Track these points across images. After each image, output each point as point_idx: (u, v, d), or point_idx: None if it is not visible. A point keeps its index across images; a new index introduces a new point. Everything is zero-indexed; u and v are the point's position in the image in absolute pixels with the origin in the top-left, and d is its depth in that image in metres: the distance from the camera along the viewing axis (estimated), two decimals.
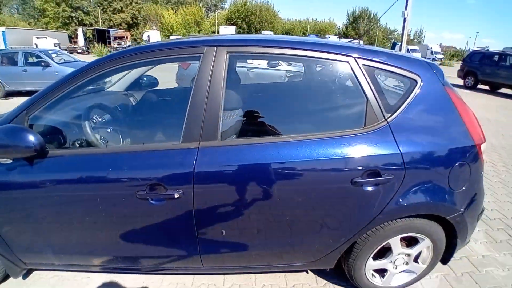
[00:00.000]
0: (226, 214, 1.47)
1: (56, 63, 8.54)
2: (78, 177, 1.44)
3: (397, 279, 1.85)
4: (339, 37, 41.50)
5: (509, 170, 3.96)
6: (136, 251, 1.61)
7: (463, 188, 1.57)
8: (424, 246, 1.72)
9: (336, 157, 1.40)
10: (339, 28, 55.54)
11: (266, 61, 7.77)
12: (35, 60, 8.58)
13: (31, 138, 1.34)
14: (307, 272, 2.05)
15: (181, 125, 1.41)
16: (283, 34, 48.77)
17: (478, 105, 9.06)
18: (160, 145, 1.54)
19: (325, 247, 1.61)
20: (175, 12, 40.31)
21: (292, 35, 49.13)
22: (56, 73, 8.28)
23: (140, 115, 2.32)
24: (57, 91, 1.52)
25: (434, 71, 1.54)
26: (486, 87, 12.26)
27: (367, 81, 1.46)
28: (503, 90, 11.89)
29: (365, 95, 1.46)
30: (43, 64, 8.35)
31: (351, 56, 1.48)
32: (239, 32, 38.26)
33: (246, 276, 2.00)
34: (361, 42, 38.35)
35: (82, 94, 1.96)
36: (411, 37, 53.77)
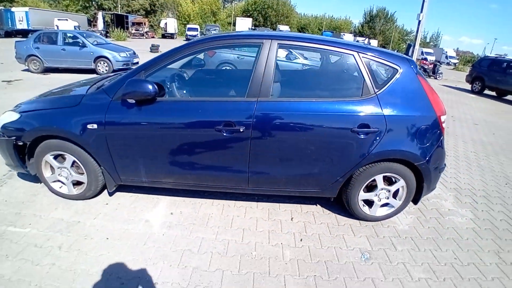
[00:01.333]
0: (268, 144, 2.28)
1: (92, 44, 9.43)
2: (176, 116, 2.26)
3: (381, 211, 2.65)
4: (354, 36, 41.62)
5: (489, 159, 4.70)
6: (205, 170, 2.43)
7: (427, 145, 2.36)
8: (400, 185, 2.51)
9: (343, 112, 2.22)
10: (355, 26, 55.45)
11: (285, 55, 8.47)
12: (72, 40, 9.47)
13: (150, 87, 2.12)
14: (316, 205, 2.88)
15: (246, 87, 2.24)
16: (298, 29, 48.97)
17: (480, 108, 9.68)
18: (232, 98, 2.38)
19: (331, 178, 2.42)
20: (193, 1, 41.02)
21: (307, 30, 49.38)
22: (91, 53, 9.21)
23: (216, 79, 3.15)
24: (161, 61, 2.31)
25: (411, 65, 2.34)
26: (493, 93, 12.79)
27: (365, 67, 2.27)
28: (509, 97, 12.43)
29: (363, 76, 2.27)
30: (80, 44, 9.25)
31: (355, 51, 2.30)
32: (255, 25, 38.74)
33: (273, 203, 2.84)
34: (369, 41, 38.43)
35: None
36: (427, 40, 53.33)
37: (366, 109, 2.24)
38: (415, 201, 2.65)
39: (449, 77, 20.44)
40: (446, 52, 39.64)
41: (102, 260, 2.02)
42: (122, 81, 2.27)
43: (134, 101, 2.24)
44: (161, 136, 2.33)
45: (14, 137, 2.41)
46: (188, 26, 32.36)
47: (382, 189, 2.54)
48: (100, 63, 9.33)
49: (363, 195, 2.54)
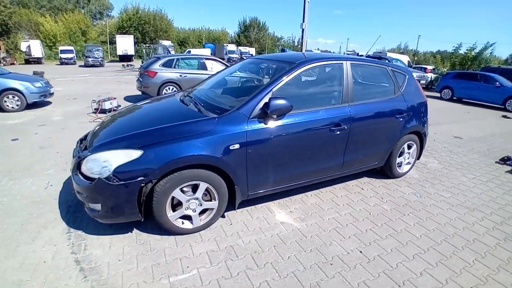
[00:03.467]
0: (356, 135, 3.21)
1: None
2: (302, 124, 2.83)
3: (405, 168, 4.03)
4: (237, 46, 44.98)
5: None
6: (316, 165, 3.11)
7: (423, 119, 3.83)
8: (414, 148, 3.92)
9: (390, 106, 3.47)
10: (231, 36, 59.67)
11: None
12: None
13: (288, 102, 2.57)
14: (363, 177, 3.99)
15: (340, 97, 3.13)
16: (178, 43, 48.80)
17: None
18: (335, 105, 3.13)
19: (385, 151, 3.59)
20: (55, 19, 35.12)
21: (187, 44, 50.08)
22: None
23: (312, 91, 3.54)
24: (280, 81, 2.79)
25: (410, 72, 3.75)
26: None
27: (393, 76, 3.54)
28: None
29: (393, 82, 3.54)
30: None
31: (386, 66, 3.54)
32: (135, 42, 36.60)
33: (341, 184, 3.79)
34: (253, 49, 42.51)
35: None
36: (295, 44, 62.63)
37: (399, 103, 3.53)
38: (419, 157, 4.13)
39: None
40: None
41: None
42: (256, 101, 2.62)
43: (274, 117, 2.62)
44: (291, 143, 2.83)
45: (141, 179, 2.21)
46: (60, 48, 27.69)
47: (407, 153, 3.87)
48: (8, 97, 7.43)
49: (397, 159, 3.81)
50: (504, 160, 4.89)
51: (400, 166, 3.92)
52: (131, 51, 29.47)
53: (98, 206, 2.31)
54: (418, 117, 3.76)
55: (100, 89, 10.61)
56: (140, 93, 9.12)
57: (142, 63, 19.62)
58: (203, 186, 2.48)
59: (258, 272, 2.25)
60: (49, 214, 2.82)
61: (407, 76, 3.73)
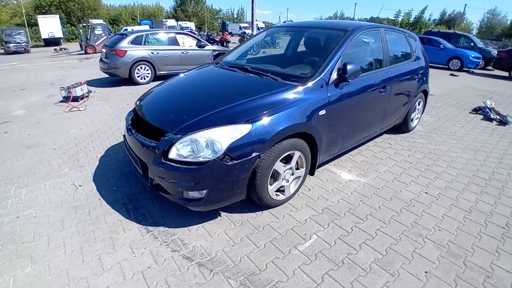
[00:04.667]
0: (393, 95, 3.31)
1: None
2: (364, 86, 2.83)
3: (415, 122, 4.27)
4: (177, 21, 41.59)
5: None
6: (369, 123, 3.14)
7: (428, 79, 4.05)
8: (422, 105, 4.19)
9: (412, 67, 3.64)
10: (167, 11, 54.83)
11: (195, 43, 8.43)
12: None
13: (358, 66, 2.51)
14: (382, 135, 4.11)
15: (381, 61, 3.14)
16: (110, 21, 43.28)
17: None
18: (380, 69, 3.17)
19: (405, 109, 3.74)
20: None
21: (120, 22, 44.61)
22: None
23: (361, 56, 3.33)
24: (344, 49, 2.67)
25: (417, 37, 3.87)
26: None
27: (408, 42, 3.66)
28: None
29: (409, 46, 3.68)
30: None
31: (403, 33, 3.67)
32: (63, 21, 31.11)
33: (372, 142, 3.85)
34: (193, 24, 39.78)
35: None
36: (235, 16, 60.23)
37: (416, 65, 3.73)
38: (422, 112, 4.42)
39: None
40: (257, 24, 46.82)
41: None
42: (332, 67, 2.51)
43: (350, 81, 2.56)
44: (356, 106, 2.83)
45: (255, 154, 1.99)
46: None
47: (417, 109, 4.09)
48: None
49: (412, 115, 4.00)
50: (476, 111, 5.51)
51: (412, 121, 4.14)
52: (58, 33, 24.82)
53: (200, 193, 1.95)
54: (426, 77, 4.02)
55: (47, 76, 8.88)
56: (105, 75, 7.91)
57: (81, 46, 17.02)
58: (297, 154, 2.36)
59: (366, 223, 2.34)
60: (107, 217, 2.31)
61: (417, 41, 3.91)
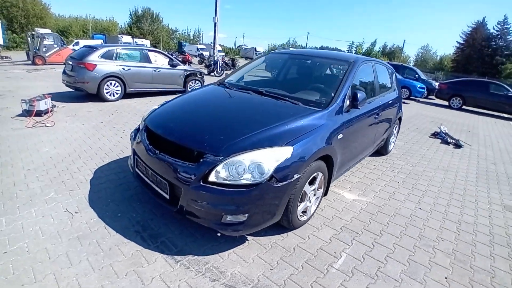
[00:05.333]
0: (381, 121, 3.59)
1: None
2: (366, 112, 3.06)
3: (391, 146, 4.71)
4: (133, 38, 40.08)
5: None
6: (364, 146, 3.39)
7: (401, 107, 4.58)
8: (397, 130, 4.67)
9: (393, 97, 4.04)
10: (121, 27, 52.76)
11: (167, 62, 8.23)
12: None
13: (365, 94, 2.75)
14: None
15: (374, 90, 3.47)
16: (58, 31, 39.97)
17: None
18: (374, 97, 3.45)
19: (387, 134, 4.14)
20: None
21: (70, 34, 41.41)
22: None
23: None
24: (350, 80, 2.85)
25: (393, 69, 4.40)
26: None
27: (389, 74, 4.15)
28: None
29: (390, 79, 4.16)
30: None
31: (386, 66, 4.07)
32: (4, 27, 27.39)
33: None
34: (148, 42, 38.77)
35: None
36: (191, 37, 60.33)
37: (395, 94, 4.20)
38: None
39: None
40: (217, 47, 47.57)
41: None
42: (344, 94, 2.68)
43: (359, 107, 2.78)
44: (359, 130, 3.04)
45: (296, 176, 1.99)
46: None
47: (394, 133, 4.59)
48: None
49: (391, 139, 4.47)
50: (434, 135, 6.33)
51: (390, 144, 4.58)
52: None
53: (241, 217, 1.84)
54: (401, 106, 4.52)
55: None
56: (67, 89, 7.16)
57: (29, 55, 15.28)
58: (320, 176, 2.42)
59: (383, 239, 2.49)
60: (123, 248, 2.02)
61: (394, 73, 4.39)
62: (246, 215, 1.85)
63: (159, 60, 8.17)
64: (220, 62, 15.86)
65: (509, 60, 35.66)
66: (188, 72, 8.61)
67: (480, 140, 6.62)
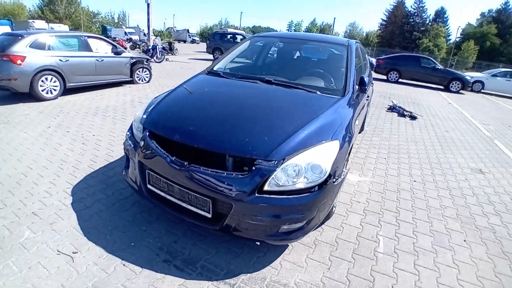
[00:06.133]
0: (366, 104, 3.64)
1: None
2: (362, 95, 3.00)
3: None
4: (47, 22, 33.76)
5: None
6: (358, 127, 3.35)
7: None
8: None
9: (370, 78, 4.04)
10: (30, 11, 44.08)
11: (110, 49, 7.11)
12: None
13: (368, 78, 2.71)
14: None
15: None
16: None
17: None
18: None
19: (365, 113, 4.23)
20: None
21: None
22: None
23: None
24: (353, 63, 2.74)
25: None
26: None
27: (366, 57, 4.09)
28: None
29: (367, 61, 4.09)
30: None
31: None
32: None
33: None
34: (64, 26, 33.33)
35: None
36: (115, 20, 53.83)
37: (371, 75, 4.14)
38: None
39: (184, 51, 22.81)
40: (143, 30, 43.06)
41: None
42: (353, 80, 2.58)
43: (365, 92, 2.78)
44: (360, 110, 2.98)
45: (343, 170, 1.95)
46: None
47: (368, 111, 4.72)
48: None
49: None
50: (391, 109, 6.81)
51: (365, 122, 4.78)
52: None
53: (300, 223, 1.65)
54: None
55: None
56: None
57: None
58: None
59: (402, 215, 2.58)
60: (160, 285, 1.64)
61: (366, 54, 4.45)
62: (305, 220, 1.66)
63: (101, 48, 6.97)
64: (160, 46, 14.47)
65: (425, 36, 41.22)
66: (134, 60, 7.60)
67: (426, 110, 7.44)
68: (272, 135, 1.77)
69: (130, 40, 25.80)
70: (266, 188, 1.57)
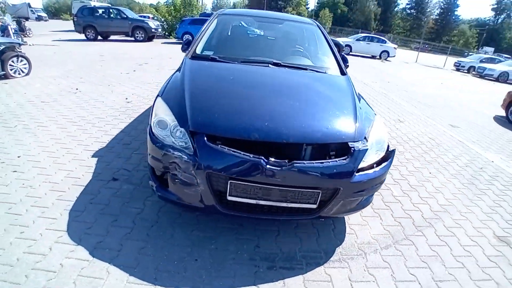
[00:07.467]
0: None
1: None
2: None
3: None
4: None
5: None
6: None
7: None
8: None
9: None
10: None
11: None
12: None
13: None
14: None
15: None
16: None
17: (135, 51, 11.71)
18: None
19: None
20: None
21: None
22: None
23: None
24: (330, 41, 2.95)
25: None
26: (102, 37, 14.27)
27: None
28: (113, 37, 14.69)
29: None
30: None
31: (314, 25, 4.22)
32: None
33: None
34: None
35: None
36: None
37: None
38: None
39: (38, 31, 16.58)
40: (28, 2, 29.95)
41: None
42: (339, 59, 2.77)
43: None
44: None
45: None
46: None
47: None
48: None
49: None
50: None
51: None
52: None
53: (374, 191, 1.89)
54: None
55: None
56: None
57: None
58: None
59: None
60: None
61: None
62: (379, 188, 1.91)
63: None
64: (12, 27, 10.56)
65: (289, 4, 46.19)
66: (3, 47, 5.38)
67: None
68: (340, 118, 1.85)
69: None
70: (360, 166, 1.68)
